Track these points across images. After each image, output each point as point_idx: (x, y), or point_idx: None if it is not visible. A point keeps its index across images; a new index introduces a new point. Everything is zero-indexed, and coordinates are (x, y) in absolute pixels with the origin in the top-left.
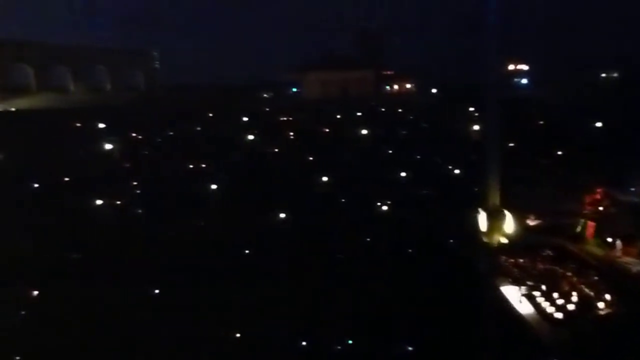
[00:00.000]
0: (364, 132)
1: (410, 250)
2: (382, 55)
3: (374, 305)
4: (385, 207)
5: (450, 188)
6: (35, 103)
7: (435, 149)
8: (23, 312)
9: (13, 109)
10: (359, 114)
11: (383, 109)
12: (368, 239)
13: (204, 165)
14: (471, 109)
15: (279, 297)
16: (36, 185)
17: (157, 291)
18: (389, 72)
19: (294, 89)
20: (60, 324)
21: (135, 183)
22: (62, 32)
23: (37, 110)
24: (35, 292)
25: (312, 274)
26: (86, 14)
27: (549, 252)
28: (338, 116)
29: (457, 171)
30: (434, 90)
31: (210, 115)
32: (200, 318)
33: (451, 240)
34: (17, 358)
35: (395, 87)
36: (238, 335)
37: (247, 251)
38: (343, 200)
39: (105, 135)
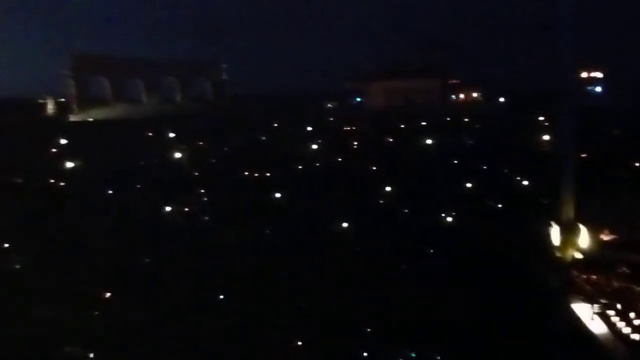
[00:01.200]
0: (429, 141)
1: (476, 264)
2: (448, 64)
3: (437, 321)
4: (450, 219)
5: (519, 200)
6: (111, 114)
7: (503, 159)
8: (96, 312)
9: (91, 119)
10: (423, 123)
11: (448, 118)
12: (432, 251)
13: (268, 174)
14: (541, 118)
15: (342, 304)
16: (110, 192)
17: (221, 296)
18: (455, 81)
19: (358, 99)
20: (131, 324)
21: (202, 190)
22: (135, 46)
23: (112, 121)
24: (108, 294)
25: (374, 285)
26: (157, 28)
27: (625, 269)
28: (402, 126)
29: (525, 182)
30: (501, 99)
31: (275, 125)
32: (264, 322)
33: (520, 254)
34: (91, 355)
35: (462, 96)
36: (299, 343)
37: (311, 259)
38: (406, 210)
39: (175, 144)
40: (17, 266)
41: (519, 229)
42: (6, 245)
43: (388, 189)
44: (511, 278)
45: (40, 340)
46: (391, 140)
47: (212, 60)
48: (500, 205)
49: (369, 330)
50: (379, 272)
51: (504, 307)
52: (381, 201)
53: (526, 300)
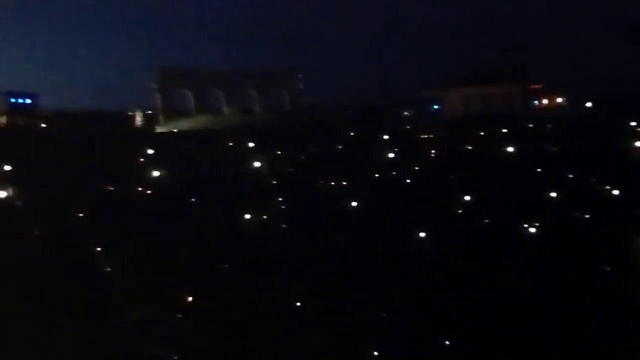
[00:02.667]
0: (510, 149)
1: (562, 278)
2: (529, 68)
3: (522, 339)
4: (533, 230)
5: (609, 210)
6: (193, 124)
7: (590, 167)
8: (179, 316)
9: (175, 130)
10: (504, 130)
11: (531, 125)
12: (511, 263)
13: (345, 182)
14: (633, 123)
15: (421, 316)
16: (193, 200)
17: (298, 304)
18: (537, 86)
19: (435, 106)
20: (211, 328)
21: (280, 198)
22: (215, 57)
23: (194, 131)
24: (190, 298)
25: (452, 296)
26: (236, 40)
27: None
28: (482, 133)
29: (616, 192)
30: (588, 104)
31: (352, 134)
32: (343, 330)
33: (611, 269)
34: (175, 357)
35: (545, 101)
36: (375, 353)
37: (388, 268)
38: (486, 220)
39: (253, 153)
40: (108, 269)
41: (608, 242)
42: (98, 248)
43: (467, 198)
44: (602, 295)
45: (127, 339)
46: (470, 148)
47: (289, 70)
48: (587, 216)
49: (447, 343)
50: (458, 283)
51: (594, 327)
52: (460, 211)
53: (619, 319)
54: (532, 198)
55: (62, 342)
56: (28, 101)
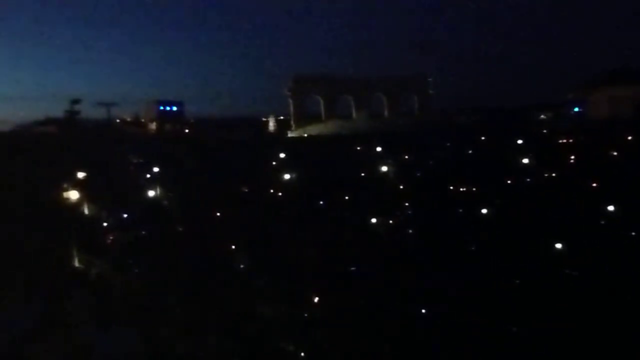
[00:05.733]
0: None
1: None
2: None
3: None
4: None
5: None
6: (324, 130)
7: None
8: (305, 315)
9: (306, 135)
10: None
11: None
12: None
13: (475, 189)
14: None
15: (560, 334)
16: (321, 202)
17: (423, 310)
18: None
19: (576, 109)
20: (335, 327)
21: (407, 204)
22: (346, 63)
23: (325, 136)
24: (316, 298)
25: (593, 314)
26: (365, 46)
27: None
28: (629, 137)
29: None
30: None
31: (483, 138)
32: (468, 343)
33: None
34: (302, 353)
35: None
36: None
37: (521, 279)
38: (634, 233)
39: (382, 158)
40: (242, 266)
41: None
42: (233, 247)
43: (611, 208)
44: None
45: (260, 334)
46: (615, 154)
47: (418, 74)
48: None
49: None
50: (600, 299)
51: None
52: (602, 222)
53: None
54: None
55: (199, 334)
56: (175, 109)
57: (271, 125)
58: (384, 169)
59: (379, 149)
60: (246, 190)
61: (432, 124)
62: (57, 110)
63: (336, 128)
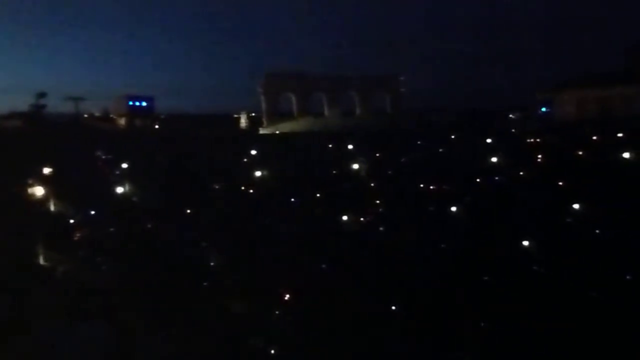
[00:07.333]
0: (626, 155)
1: None
2: None
3: None
4: None
5: None
6: (295, 127)
7: None
8: (277, 312)
9: (277, 132)
10: (619, 135)
11: None
12: (629, 277)
13: (445, 187)
14: None
15: (524, 330)
16: (292, 200)
17: (393, 307)
18: None
19: (543, 109)
20: (306, 326)
21: (378, 201)
22: (318, 61)
23: (296, 133)
24: (287, 296)
25: (556, 310)
26: (338, 45)
27: None
28: (595, 137)
29: None
30: None
31: (453, 137)
32: (438, 338)
33: None
34: (272, 351)
35: None
36: None
37: (487, 277)
38: (597, 231)
39: (353, 156)
40: (212, 263)
41: None
42: (203, 244)
43: (576, 206)
44: None
45: (230, 332)
46: (581, 153)
47: (391, 74)
48: None
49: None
50: (564, 296)
51: None
52: (568, 220)
53: None
54: None
55: (169, 332)
56: (144, 104)
57: (243, 121)
58: (356, 166)
59: (350, 146)
60: (217, 187)
61: (404, 123)
62: (23, 104)
63: (308, 125)
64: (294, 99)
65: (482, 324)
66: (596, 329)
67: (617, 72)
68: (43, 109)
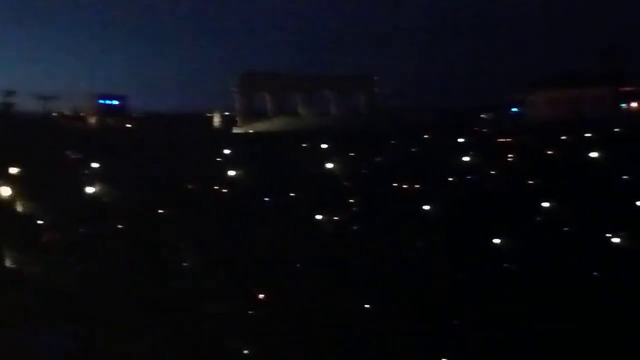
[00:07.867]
0: (595, 155)
1: None
2: (623, 70)
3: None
4: (617, 240)
5: None
6: (270, 126)
7: None
8: (251, 312)
9: (252, 131)
10: (588, 135)
11: (617, 129)
12: (595, 273)
13: (417, 186)
14: None
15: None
16: (267, 199)
17: (367, 306)
18: (628, 89)
19: (514, 109)
20: (282, 325)
21: (352, 200)
22: (293, 60)
23: (271, 133)
24: (262, 295)
25: (531, 308)
26: (313, 43)
27: None
28: (564, 137)
29: None
30: None
31: (426, 136)
32: (411, 337)
33: None
34: (245, 351)
35: (634, 104)
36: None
37: (459, 276)
38: (566, 228)
39: (327, 155)
40: (185, 264)
41: None
42: (176, 244)
43: (546, 204)
44: None
45: (205, 332)
46: (551, 153)
47: (365, 73)
48: None
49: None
50: (536, 293)
51: None
52: (538, 218)
53: None
54: (618, 207)
55: (142, 334)
56: (116, 103)
57: (216, 121)
58: (330, 165)
59: (325, 146)
60: (190, 186)
61: (378, 122)
62: None
63: (282, 125)
64: (268, 98)
65: (456, 322)
66: (569, 324)
67: (589, 74)
68: (11, 107)
